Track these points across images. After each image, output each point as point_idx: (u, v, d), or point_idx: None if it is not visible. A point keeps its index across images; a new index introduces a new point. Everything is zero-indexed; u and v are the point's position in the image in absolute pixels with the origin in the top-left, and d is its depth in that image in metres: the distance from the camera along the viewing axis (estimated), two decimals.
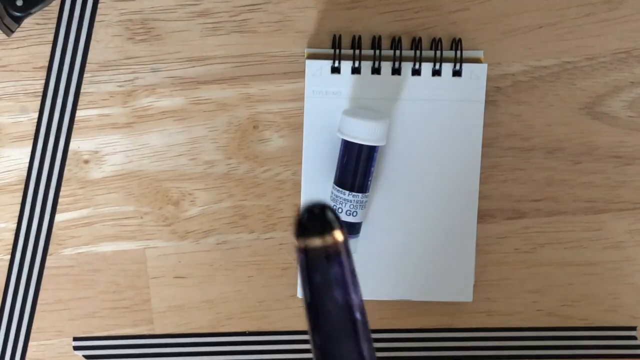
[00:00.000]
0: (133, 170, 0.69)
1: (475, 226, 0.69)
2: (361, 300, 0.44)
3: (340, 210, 0.66)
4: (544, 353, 0.72)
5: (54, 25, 0.67)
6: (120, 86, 0.68)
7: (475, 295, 0.70)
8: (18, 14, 0.64)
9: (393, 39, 0.67)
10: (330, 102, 0.67)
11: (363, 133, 0.65)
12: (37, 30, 0.67)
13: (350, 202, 0.66)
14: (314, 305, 0.43)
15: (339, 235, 0.42)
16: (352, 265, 0.44)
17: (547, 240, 0.70)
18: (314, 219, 0.42)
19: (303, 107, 0.67)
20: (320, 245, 0.42)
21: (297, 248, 0.42)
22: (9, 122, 0.68)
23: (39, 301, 0.71)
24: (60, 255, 0.70)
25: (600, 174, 0.70)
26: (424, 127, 0.67)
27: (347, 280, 0.43)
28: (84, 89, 0.68)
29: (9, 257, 0.70)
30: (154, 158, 0.69)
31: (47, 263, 0.70)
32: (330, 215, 0.42)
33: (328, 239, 0.42)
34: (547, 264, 0.71)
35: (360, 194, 0.66)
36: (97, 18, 0.67)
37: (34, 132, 0.68)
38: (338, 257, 0.42)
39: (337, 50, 0.66)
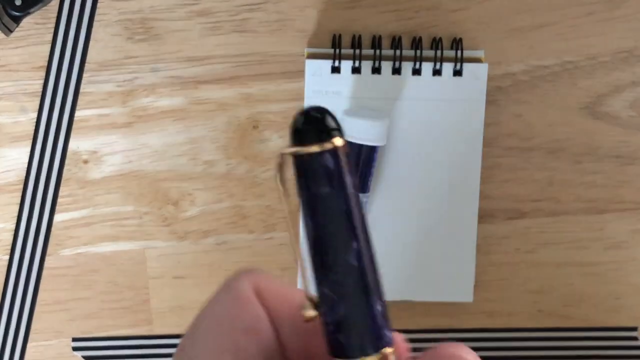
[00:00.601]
0: (132, 170, 0.69)
1: (476, 226, 0.68)
2: (357, 194, 0.42)
3: None
4: (545, 354, 0.72)
5: (53, 25, 0.67)
6: (119, 86, 0.68)
7: (476, 295, 0.70)
8: (17, 14, 0.64)
9: (393, 39, 0.67)
10: (330, 102, 0.66)
11: (363, 133, 0.65)
12: (36, 30, 0.67)
13: None
14: (308, 201, 0.41)
15: (338, 141, 0.41)
16: (350, 165, 0.42)
17: (548, 240, 0.70)
18: (311, 124, 0.41)
19: (303, 107, 0.67)
20: (317, 151, 0.40)
21: (292, 155, 0.40)
22: (8, 122, 0.68)
23: (38, 301, 0.71)
24: (60, 255, 0.70)
25: (601, 173, 0.69)
26: (424, 127, 0.67)
27: (343, 175, 0.41)
28: (83, 88, 0.68)
29: (7, 257, 0.70)
30: (154, 158, 0.69)
31: (46, 263, 0.70)
32: (329, 120, 0.41)
33: (326, 146, 0.40)
34: (547, 264, 0.71)
35: (360, 194, 0.66)
36: (96, 17, 0.66)
37: (33, 132, 0.68)
38: (335, 159, 0.41)
39: (337, 50, 0.66)
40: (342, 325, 0.39)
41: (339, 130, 0.40)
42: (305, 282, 0.41)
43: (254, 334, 0.37)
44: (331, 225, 0.40)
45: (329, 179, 0.39)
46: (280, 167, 0.40)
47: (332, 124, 0.40)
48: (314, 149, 0.39)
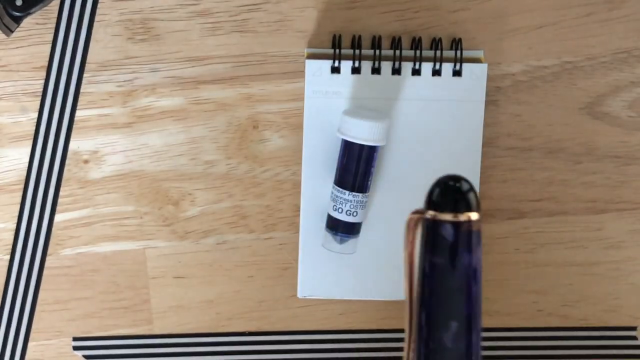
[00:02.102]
0: (133, 170, 0.69)
1: None
2: (478, 274, 0.40)
3: (340, 210, 0.66)
4: (544, 353, 0.72)
5: (54, 25, 0.67)
6: (119, 86, 0.68)
7: None
8: (17, 14, 0.64)
9: (393, 39, 0.67)
10: (330, 102, 0.67)
11: (363, 133, 0.65)
12: (36, 30, 0.67)
13: (351, 202, 0.66)
14: (424, 266, 0.39)
15: (474, 215, 0.39)
16: (480, 240, 0.40)
17: (547, 240, 0.70)
18: (450, 193, 0.39)
19: (303, 107, 0.67)
20: (450, 220, 0.39)
21: (432, 222, 0.39)
22: (9, 122, 0.68)
23: (38, 301, 0.71)
24: (60, 255, 0.70)
25: (600, 174, 0.69)
26: (424, 127, 0.67)
27: (471, 250, 0.39)
28: (83, 88, 0.68)
29: (8, 257, 0.70)
30: (154, 158, 0.69)
31: (47, 263, 0.70)
32: (468, 192, 0.38)
33: (461, 217, 0.39)
34: (547, 264, 0.71)
35: (360, 194, 0.66)
36: (97, 18, 0.67)
37: (33, 132, 0.68)
38: (468, 232, 0.38)
39: (337, 50, 0.66)
40: None
41: (476, 204, 0.39)
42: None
43: None
44: (436, 298, 0.38)
45: (447, 251, 0.38)
46: (410, 227, 0.39)
47: (471, 196, 0.38)
48: (447, 217, 0.38)
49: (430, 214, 0.38)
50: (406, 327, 0.39)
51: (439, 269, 0.38)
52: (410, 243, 0.40)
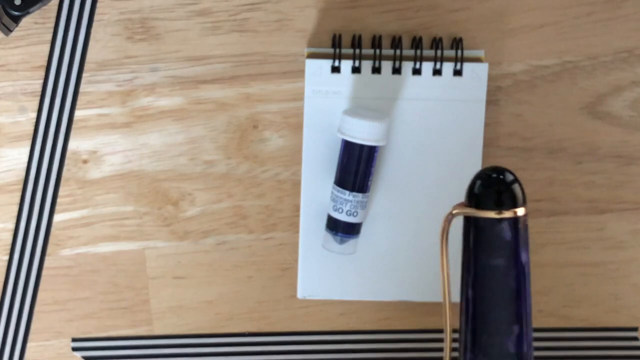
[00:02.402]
0: (132, 170, 0.69)
1: None
2: (528, 272, 0.37)
3: (340, 211, 0.66)
4: (545, 354, 0.72)
5: (53, 25, 0.66)
6: (119, 86, 0.68)
7: None
8: (16, 13, 0.64)
9: (393, 38, 0.67)
10: (330, 101, 0.66)
11: (363, 133, 0.64)
12: (35, 29, 0.67)
13: (351, 202, 0.66)
14: (474, 271, 0.36)
15: (521, 210, 0.35)
16: (527, 238, 0.37)
17: (548, 240, 0.70)
18: (492, 186, 0.36)
19: (303, 106, 0.67)
20: (496, 218, 0.36)
21: (465, 218, 0.36)
22: (8, 122, 0.68)
23: (37, 302, 0.70)
24: (59, 255, 0.70)
25: (601, 174, 0.69)
26: (424, 127, 0.67)
27: (520, 249, 0.36)
28: (82, 88, 0.68)
29: (7, 257, 0.70)
30: (153, 158, 0.69)
31: (46, 263, 0.70)
32: (513, 184, 0.35)
33: (506, 214, 0.36)
34: (548, 264, 0.71)
35: (360, 194, 0.66)
36: (96, 17, 0.66)
37: (32, 131, 0.68)
38: (515, 230, 0.35)
39: (337, 50, 0.66)
40: None
41: (523, 198, 0.35)
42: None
43: None
44: (495, 303, 0.36)
45: (504, 251, 0.35)
46: (446, 228, 0.36)
47: (517, 189, 0.35)
48: (492, 215, 0.35)
49: (477, 212, 0.36)
50: (447, 335, 0.37)
51: (496, 270, 0.36)
52: (446, 243, 0.38)
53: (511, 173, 0.35)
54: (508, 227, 0.35)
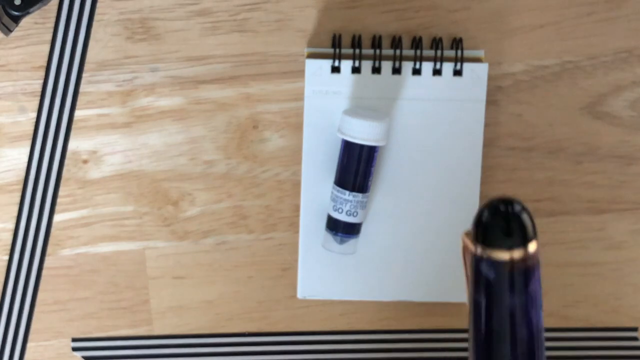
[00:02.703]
0: (132, 170, 0.69)
1: None
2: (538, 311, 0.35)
3: (340, 211, 0.66)
4: (545, 354, 0.72)
5: (53, 25, 0.66)
6: (119, 86, 0.68)
7: None
8: (16, 14, 0.64)
9: (393, 39, 0.67)
10: (330, 101, 0.66)
11: (363, 133, 0.64)
12: (35, 29, 0.67)
13: (351, 202, 0.66)
14: (474, 304, 0.34)
15: (532, 246, 0.33)
16: (539, 273, 0.35)
17: (548, 240, 0.70)
18: (501, 223, 0.33)
19: (303, 106, 0.67)
20: (507, 259, 0.33)
21: (475, 257, 0.33)
22: (8, 122, 0.68)
23: (37, 302, 0.70)
24: (59, 255, 0.70)
25: (601, 174, 0.69)
26: (424, 127, 0.67)
27: (536, 300, 0.34)
28: (82, 88, 0.68)
29: (7, 257, 0.70)
30: (153, 158, 0.69)
31: (46, 263, 0.70)
32: (525, 218, 0.33)
33: (515, 254, 0.33)
34: (548, 264, 0.71)
35: (360, 194, 0.66)
36: (96, 17, 0.66)
37: (32, 131, 0.68)
38: (531, 274, 0.33)
39: (337, 50, 0.66)
40: None
41: (534, 232, 0.32)
42: None
43: None
44: (489, 340, 0.34)
45: (492, 291, 0.33)
46: (466, 251, 0.34)
47: (527, 224, 0.32)
48: (502, 256, 0.32)
49: (475, 248, 0.34)
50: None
51: (481, 307, 0.35)
52: (465, 267, 0.35)
53: (519, 204, 0.32)
54: (513, 266, 0.33)
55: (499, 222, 0.33)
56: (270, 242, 0.70)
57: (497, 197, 0.34)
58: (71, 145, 0.68)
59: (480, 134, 0.67)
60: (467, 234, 0.35)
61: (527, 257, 0.33)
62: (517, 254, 0.33)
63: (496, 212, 0.33)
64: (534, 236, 0.33)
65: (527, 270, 0.33)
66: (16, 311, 0.70)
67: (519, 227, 0.33)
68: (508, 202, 0.33)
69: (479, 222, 0.33)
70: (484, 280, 0.34)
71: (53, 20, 0.66)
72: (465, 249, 0.35)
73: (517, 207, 0.33)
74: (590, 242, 0.70)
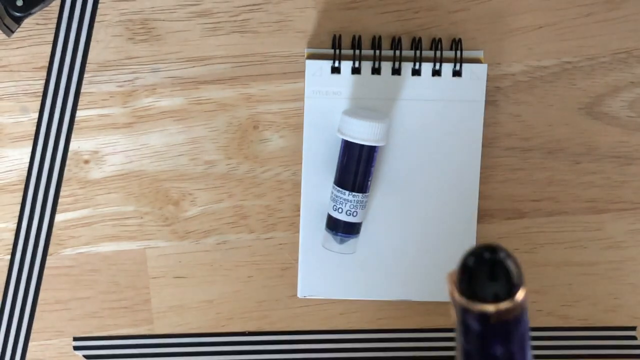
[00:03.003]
0: (133, 170, 0.69)
1: (475, 226, 0.69)
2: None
3: (340, 210, 0.66)
4: (544, 353, 0.72)
5: (54, 26, 0.67)
6: (120, 86, 0.68)
7: None
8: (18, 14, 0.64)
9: (393, 39, 0.67)
10: (330, 102, 0.67)
11: (363, 133, 0.65)
12: (37, 30, 0.67)
13: (351, 202, 0.66)
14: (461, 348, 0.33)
15: (521, 294, 0.32)
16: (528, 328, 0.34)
17: (547, 240, 0.70)
18: (487, 272, 0.32)
19: (303, 107, 0.67)
20: (493, 312, 0.32)
21: (461, 307, 0.32)
22: (9, 122, 0.68)
23: (39, 301, 0.71)
24: (60, 255, 0.70)
25: (600, 174, 0.70)
26: (424, 127, 0.67)
27: (524, 344, 0.33)
28: (84, 89, 0.68)
29: (9, 257, 0.70)
30: (154, 158, 0.69)
31: (47, 263, 0.70)
32: (511, 267, 0.31)
33: (505, 304, 0.32)
34: (547, 264, 0.71)
35: (360, 194, 0.66)
36: (97, 18, 0.67)
37: (34, 132, 0.68)
38: (518, 322, 0.32)
39: (337, 50, 0.66)
40: None
41: (520, 279, 0.31)
42: None
43: None
44: None
45: (496, 340, 0.32)
46: (452, 290, 0.33)
47: (513, 272, 0.31)
48: (487, 308, 0.32)
49: (459, 299, 0.33)
50: None
51: (469, 354, 0.34)
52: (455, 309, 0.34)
53: (503, 252, 0.31)
54: (488, 322, 0.32)
55: (483, 270, 0.33)
56: (271, 242, 0.70)
57: (482, 244, 0.33)
58: (72, 145, 0.69)
59: (479, 134, 0.67)
60: (451, 275, 0.34)
61: (514, 307, 0.33)
62: (503, 305, 0.32)
63: (481, 260, 0.33)
64: (521, 283, 0.32)
65: (515, 319, 0.32)
66: (18, 310, 0.71)
67: (504, 275, 0.32)
68: (493, 249, 0.33)
69: (464, 269, 0.33)
70: (470, 330, 0.33)
71: (55, 21, 0.67)
72: (451, 293, 0.34)
73: (502, 255, 0.32)
74: (589, 241, 0.71)
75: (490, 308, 0.32)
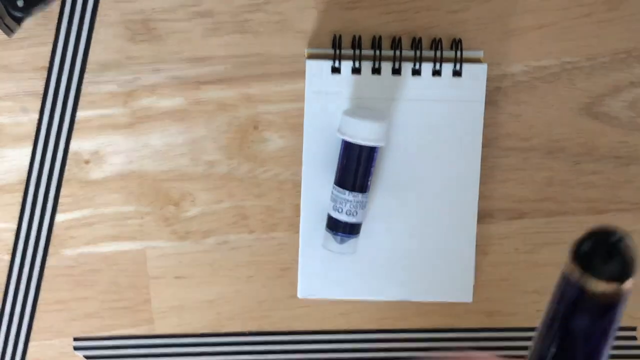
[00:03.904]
0: (133, 171, 0.69)
1: (475, 226, 0.69)
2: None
3: (340, 210, 0.66)
4: None
5: (55, 26, 0.67)
6: (120, 86, 0.68)
7: (475, 295, 0.70)
8: (19, 15, 0.64)
9: (393, 39, 0.67)
10: (331, 102, 0.67)
11: (363, 133, 0.65)
12: (37, 30, 0.67)
13: (351, 202, 0.66)
14: (560, 324, 0.34)
15: (629, 284, 0.32)
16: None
17: (547, 240, 0.70)
18: (605, 253, 0.33)
19: (303, 107, 0.67)
20: (600, 292, 0.33)
21: (568, 277, 0.33)
22: (10, 123, 0.68)
23: (39, 301, 0.71)
24: (61, 255, 0.70)
25: (600, 174, 0.70)
26: (424, 127, 0.67)
27: (608, 337, 0.34)
28: (84, 89, 0.68)
29: (9, 257, 0.70)
30: (155, 158, 0.69)
31: (48, 263, 0.70)
32: (629, 255, 0.32)
33: (613, 287, 0.33)
34: (547, 264, 0.71)
35: (360, 194, 0.66)
36: (98, 18, 0.67)
37: (34, 132, 0.68)
38: (614, 309, 0.33)
39: (338, 51, 0.66)
40: None
41: (634, 272, 0.33)
42: None
43: None
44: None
45: (593, 320, 0.33)
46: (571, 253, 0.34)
47: (633, 264, 0.32)
48: (599, 286, 0.33)
49: (571, 265, 0.33)
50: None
51: (551, 321, 0.34)
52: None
53: (623, 235, 0.32)
54: (612, 300, 0.33)
55: (611, 250, 0.33)
56: (271, 242, 0.70)
57: (607, 227, 0.34)
58: (73, 145, 0.69)
59: (479, 135, 0.67)
60: (576, 241, 0.35)
61: (619, 293, 0.33)
62: (611, 287, 0.33)
63: (613, 239, 0.33)
64: (634, 275, 0.33)
65: (612, 305, 0.33)
66: (18, 311, 0.71)
67: (625, 262, 0.33)
68: (618, 235, 0.33)
69: (592, 240, 0.33)
70: (565, 298, 0.34)
71: (55, 21, 0.67)
72: (571, 255, 0.35)
73: (630, 243, 0.33)
74: None
75: (599, 285, 0.33)
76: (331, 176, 0.67)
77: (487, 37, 0.67)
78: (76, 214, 0.70)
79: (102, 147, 0.69)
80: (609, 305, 0.33)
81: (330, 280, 0.69)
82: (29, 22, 0.66)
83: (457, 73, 0.66)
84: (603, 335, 0.34)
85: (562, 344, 0.35)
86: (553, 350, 0.35)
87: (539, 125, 0.69)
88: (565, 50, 0.68)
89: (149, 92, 0.68)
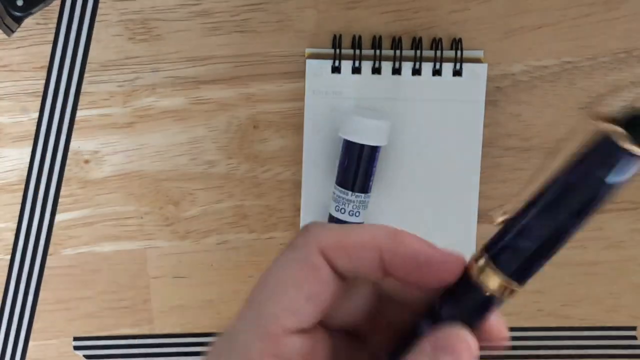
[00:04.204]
0: (133, 170, 0.69)
1: (475, 226, 0.69)
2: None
3: (343, 211, 0.66)
4: (544, 353, 0.72)
5: (55, 25, 0.67)
6: (120, 86, 0.68)
7: None
8: (19, 14, 0.64)
9: (393, 39, 0.67)
10: (331, 102, 0.67)
11: (365, 133, 0.65)
12: (37, 30, 0.67)
13: (353, 202, 0.66)
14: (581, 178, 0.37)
15: None
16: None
17: None
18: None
19: (303, 107, 0.67)
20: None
21: (610, 137, 0.35)
22: (10, 122, 0.68)
23: (39, 301, 0.71)
24: (61, 255, 0.70)
25: None
26: (424, 127, 0.67)
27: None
28: (84, 89, 0.68)
29: (9, 257, 0.70)
30: (155, 158, 0.69)
31: (48, 263, 0.70)
32: None
33: None
34: (547, 263, 0.71)
35: (362, 194, 0.66)
36: (98, 18, 0.67)
37: (34, 132, 0.68)
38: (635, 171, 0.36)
39: (338, 50, 0.66)
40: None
41: None
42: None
43: (316, 299, 0.39)
44: (577, 211, 0.38)
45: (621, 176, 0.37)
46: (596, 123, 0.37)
47: None
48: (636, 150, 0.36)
49: (614, 130, 0.36)
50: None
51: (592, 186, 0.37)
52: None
53: None
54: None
55: None
56: (271, 242, 0.70)
57: None
58: (73, 145, 0.69)
59: (479, 134, 0.67)
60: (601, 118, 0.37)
61: None
62: None
63: None
64: None
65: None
66: (18, 310, 0.71)
67: None
68: None
69: (629, 113, 0.36)
70: (600, 153, 0.36)
71: (55, 20, 0.67)
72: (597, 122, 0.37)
73: None
74: (589, 241, 0.71)
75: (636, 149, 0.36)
76: (331, 176, 0.67)
77: (487, 37, 0.67)
78: (76, 214, 0.70)
79: (102, 146, 0.69)
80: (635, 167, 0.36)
81: None
82: (28, 22, 0.66)
83: (457, 73, 0.66)
84: (613, 194, 0.38)
85: (586, 197, 0.38)
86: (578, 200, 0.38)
87: (539, 125, 0.69)
88: (565, 50, 0.68)
89: (149, 92, 0.68)
